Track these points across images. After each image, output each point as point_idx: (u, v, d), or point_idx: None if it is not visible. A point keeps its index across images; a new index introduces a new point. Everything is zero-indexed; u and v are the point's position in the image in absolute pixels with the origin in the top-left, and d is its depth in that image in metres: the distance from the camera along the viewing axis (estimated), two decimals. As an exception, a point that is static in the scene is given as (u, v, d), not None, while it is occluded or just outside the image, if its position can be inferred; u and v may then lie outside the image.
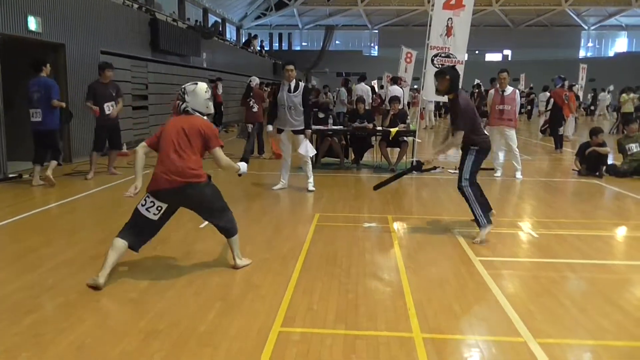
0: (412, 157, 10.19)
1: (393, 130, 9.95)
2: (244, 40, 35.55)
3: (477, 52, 44.14)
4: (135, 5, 14.98)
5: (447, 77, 5.49)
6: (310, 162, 8.16)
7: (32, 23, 9.46)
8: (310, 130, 7.99)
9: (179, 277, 4.31)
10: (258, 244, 5.28)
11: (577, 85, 16.52)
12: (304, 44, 50.68)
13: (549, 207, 7.26)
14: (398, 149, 10.23)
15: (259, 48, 31.29)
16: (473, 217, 5.56)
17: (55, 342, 3.18)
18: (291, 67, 7.90)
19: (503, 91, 9.37)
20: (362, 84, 16.70)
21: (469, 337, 3.36)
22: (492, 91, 9.68)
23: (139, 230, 4.24)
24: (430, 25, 9.72)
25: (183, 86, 4.36)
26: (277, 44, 46.20)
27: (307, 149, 8.00)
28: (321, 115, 10.72)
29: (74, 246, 5.14)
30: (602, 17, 46.64)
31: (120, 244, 4.14)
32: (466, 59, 10.05)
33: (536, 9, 43.99)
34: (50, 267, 4.52)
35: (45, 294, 3.95)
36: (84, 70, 11.08)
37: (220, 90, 18.54)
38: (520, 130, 20.37)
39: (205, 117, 4.36)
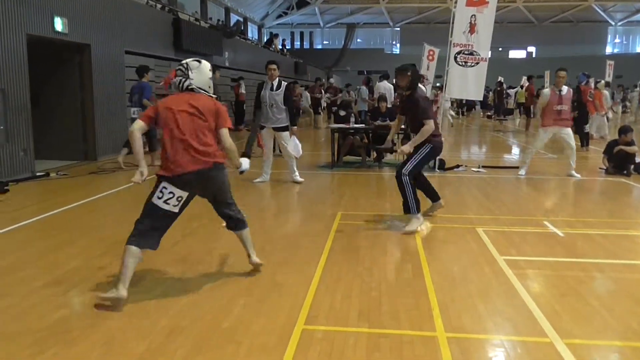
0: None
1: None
2: (265, 39, 35.66)
3: (500, 49, 43.60)
4: (159, 6, 15.13)
5: (408, 73, 5.69)
6: (295, 159, 8.39)
7: (59, 24, 9.61)
8: (296, 127, 8.26)
9: (202, 274, 4.34)
10: (281, 242, 5.30)
11: (602, 82, 16.18)
12: (325, 42, 50.67)
13: (575, 205, 7.15)
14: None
15: (280, 47, 31.36)
16: (403, 202, 5.76)
17: (81, 338, 3.23)
18: (274, 66, 8.16)
19: (560, 90, 9.01)
20: (385, 82, 16.61)
21: (494, 336, 3.32)
22: (546, 91, 9.20)
23: (156, 227, 3.83)
24: (453, 22, 9.63)
25: (184, 61, 4.01)
26: (299, 43, 46.27)
27: (296, 147, 8.23)
28: (342, 113, 10.70)
29: (101, 243, 5.21)
30: (630, 13, 45.74)
31: (134, 250, 3.74)
32: (489, 56, 9.93)
33: (561, 4, 43.29)
34: (77, 265, 4.59)
35: (72, 290, 4.01)
36: (108, 69, 11.23)
37: (243, 89, 18.63)
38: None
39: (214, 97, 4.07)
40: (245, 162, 4.31)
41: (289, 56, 32.59)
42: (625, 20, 46.99)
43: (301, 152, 8.45)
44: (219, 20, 26.96)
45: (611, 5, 44.23)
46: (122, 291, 3.63)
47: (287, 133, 8.23)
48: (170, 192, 3.80)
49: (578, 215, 6.53)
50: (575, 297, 3.91)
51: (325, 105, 22.15)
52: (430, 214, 6.27)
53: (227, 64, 19.37)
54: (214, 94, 4.14)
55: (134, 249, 3.73)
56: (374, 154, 10.80)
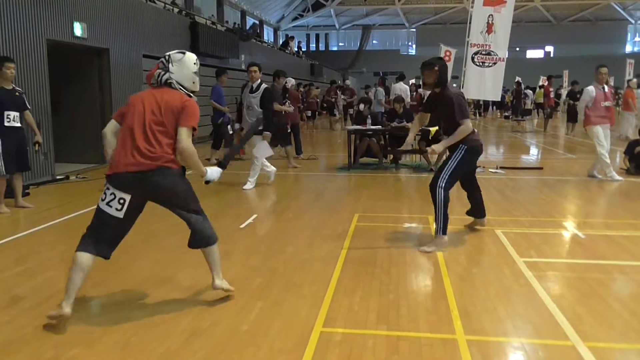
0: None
1: (433, 129, 9.81)
2: (281, 42, 35.78)
3: (517, 49, 43.17)
4: (176, 10, 15.26)
5: (435, 68, 5.06)
6: (259, 164, 8.17)
7: (78, 29, 9.74)
8: (269, 133, 7.99)
9: (221, 277, 4.35)
10: (298, 243, 5.30)
11: (634, 80, 15.85)
12: (340, 44, 50.64)
13: (596, 206, 7.05)
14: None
15: (296, 49, 31.43)
16: (435, 222, 5.15)
17: (102, 340, 3.26)
18: (255, 68, 8.07)
19: (603, 87, 8.82)
20: (401, 83, 16.56)
21: (514, 339, 3.28)
22: (591, 88, 8.86)
23: (103, 232, 3.50)
24: (470, 22, 9.57)
25: (167, 53, 3.65)
26: (314, 45, 46.30)
27: (261, 151, 7.99)
28: (362, 107, 10.74)
29: (120, 246, 5.24)
30: (650, 11, 45.05)
31: (84, 259, 3.43)
32: (507, 56, 9.85)
33: (580, 3, 42.73)
34: (97, 266, 4.62)
35: (92, 291, 4.05)
36: (127, 73, 11.35)
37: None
38: (557, 128, 19.88)
39: (192, 95, 3.65)
40: (213, 172, 3.72)
41: (304, 58, 32.64)
42: (646, 19, 46.30)
43: (265, 156, 8.13)
44: (235, 23, 27.10)
45: (631, 4, 43.56)
46: (65, 309, 3.33)
47: (258, 137, 7.92)
48: (112, 194, 3.44)
49: (599, 216, 6.43)
50: (597, 300, 3.85)
51: (342, 106, 22.13)
52: (473, 227, 5.76)
53: (243, 67, 19.45)
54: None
55: (82, 257, 3.42)
56: (390, 156, 10.77)
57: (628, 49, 47.06)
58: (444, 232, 5.06)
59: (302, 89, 19.95)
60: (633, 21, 46.86)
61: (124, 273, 4.45)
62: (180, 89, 3.59)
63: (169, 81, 3.58)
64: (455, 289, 4.03)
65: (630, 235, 5.55)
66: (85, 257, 3.44)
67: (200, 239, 3.68)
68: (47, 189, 8.40)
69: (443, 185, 5.01)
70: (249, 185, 8.14)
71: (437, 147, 5.12)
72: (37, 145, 7.02)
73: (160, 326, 3.44)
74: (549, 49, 47.94)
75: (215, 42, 16.14)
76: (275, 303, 3.81)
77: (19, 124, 6.67)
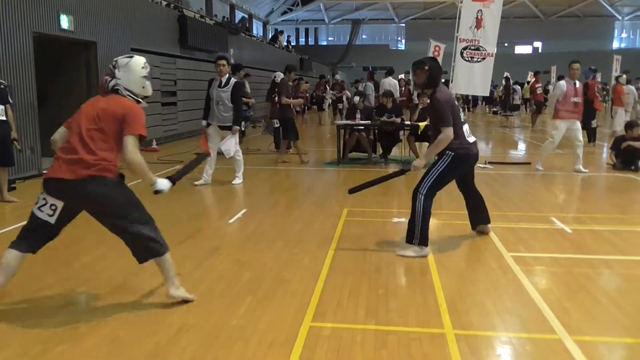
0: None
1: (422, 124, 9.86)
2: (270, 36, 35.64)
3: (506, 44, 43.32)
4: (164, 3, 15.13)
5: (426, 67, 4.71)
6: (242, 159, 8.10)
7: (65, 22, 9.62)
8: (237, 127, 7.86)
9: (210, 272, 4.34)
10: (288, 238, 5.29)
11: (623, 76, 15.94)
12: (330, 38, 50.53)
13: (583, 201, 7.11)
14: (427, 144, 10.12)
15: (285, 43, 31.32)
16: (408, 229, 4.77)
17: (89, 335, 3.24)
18: (223, 62, 7.84)
19: (575, 83, 9.01)
20: (390, 78, 16.60)
21: (502, 333, 3.30)
22: (563, 83, 9.09)
23: (33, 234, 3.46)
24: (459, 18, 9.59)
25: (115, 59, 3.53)
26: (304, 39, 46.15)
27: (230, 147, 7.83)
28: (356, 99, 10.74)
29: (108, 241, 5.21)
30: (637, 7, 45.35)
31: (12, 255, 3.41)
32: (496, 51, 9.88)
33: (568, -1, 43.04)
34: (85, 262, 4.60)
35: (80, 287, 4.03)
36: (114, 67, 11.24)
37: (247, 88, 18.62)
38: (546, 123, 20.02)
39: (141, 101, 3.55)
40: (163, 182, 3.54)
41: (294, 52, 32.54)
42: (633, 15, 46.59)
43: (231, 154, 7.92)
44: (224, 17, 26.94)
45: (618, 0, 43.91)
46: None
47: (228, 132, 7.84)
48: (44, 199, 3.39)
49: (586, 211, 6.49)
50: (584, 294, 3.89)
51: (330, 101, 22.09)
52: (479, 231, 5.39)
53: (232, 61, 19.35)
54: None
55: (10, 253, 3.42)
56: (379, 150, 10.78)
57: (615, 45, 47.42)
58: (423, 244, 4.68)
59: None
60: (620, 17, 47.22)
61: (112, 268, 4.42)
62: (129, 95, 3.47)
63: (115, 87, 3.46)
64: (444, 284, 4.05)
65: (617, 229, 5.60)
66: (13, 254, 3.42)
67: (144, 250, 3.48)
68: (33, 183, 8.31)
69: (424, 192, 4.68)
70: (237, 180, 8.09)
71: (418, 163, 4.87)
72: (14, 141, 6.90)
73: (149, 321, 3.43)
74: (537, 44, 48.18)
75: (203, 36, 16.03)
76: (264, 298, 3.81)
77: (4, 117, 6.59)
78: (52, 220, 3.39)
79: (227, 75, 7.87)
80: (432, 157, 4.83)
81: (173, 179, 3.62)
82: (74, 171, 3.28)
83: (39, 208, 3.40)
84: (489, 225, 5.40)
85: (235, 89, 7.78)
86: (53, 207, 3.38)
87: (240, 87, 7.97)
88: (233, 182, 8.06)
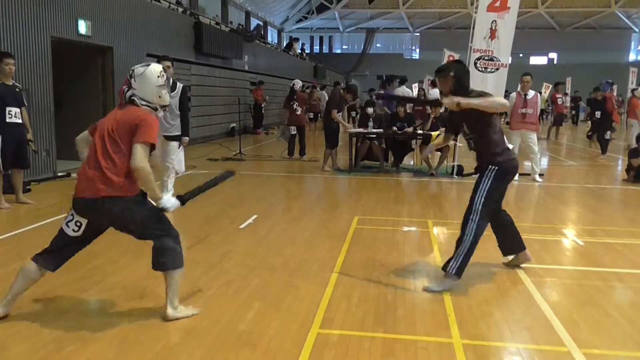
0: (453, 162, 10.05)
1: (434, 134, 9.83)
2: (285, 43, 35.83)
3: (521, 55, 43.10)
4: (180, 9, 15.29)
5: (451, 74, 4.18)
6: (174, 175, 7.00)
7: (82, 27, 9.76)
8: (187, 138, 7.08)
9: (219, 277, 4.36)
10: (298, 245, 5.31)
11: (639, 89, 15.84)
12: (344, 46, 50.66)
13: (595, 214, 7.05)
14: (439, 153, 10.10)
15: (299, 51, 31.46)
16: (451, 257, 4.21)
17: (98, 336, 3.27)
18: (168, 63, 6.78)
19: (525, 94, 9.36)
20: (403, 87, 16.58)
21: (510, 344, 3.28)
22: (513, 94, 9.54)
23: (59, 249, 3.49)
24: (473, 28, 9.59)
25: (132, 68, 3.49)
26: (318, 47, 46.32)
27: (180, 162, 7.08)
28: (369, 110, 10.68)
29: (119, 244, 5.26)
30: (654, 20, 45.04)
31: (33, 268, 3.42)
32: (510, 62, 9.86)
33: (584, 11, 42.72)
34: (95, 264, 4.64)
35: (90, 289, 4.07)
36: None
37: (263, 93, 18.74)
38: (564, 135, 19.86)
39: (159, 109, 3.52)
40: (170, 200, 3.45)
41: (308, 60, 32.68)
42: (650, 27, 46.28)
43: (183, 169, 7.26)
44: (239, 24, 27.11)
45: (635, 12, 43.54)
46: (1, 309, 3.41)
47: (176, 143, 6.94)
48: (71, 215, 3.43)
49: (599, 223, 6.44)
50: (594, 307, 3.86)
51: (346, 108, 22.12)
52: (516, 265, 4.72)
53: (246, 68, 19.49)
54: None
55: (31, 266, 3.42)
56: (391, 159, 10.78)
57: (632, 57, 47.02)
58: (459, 275, 4.14)
59: (307, 90, 19.97)
60: (637, 30, 46.84)
61: (122, 272, 4.46)
62: (145, 105, 3.43)
63: (132, 98, 3.42)
64: (453, 293, 4.03)
65: (629, 243, 5.55)
66: (33, 267, 3.43)
67: (157, 262, 3.46)
68: (48, 185, 8.42)
69: (476, 219, 4.15)
70: (167, 204, 6.93)
71: (450, 100, 4.07)
72: (30, 142, 6.98)
73: (158, 325, 3.45)
74: (553, 55, 47.95)
75: (219, 43, 16.16)
76: (273, 303, 3.82)
77: (20, 120, 6.68)
78: (76, 234, 3.43)
79: (172, 80, 6.70)
80: (473, 105, 4.04)
81: (183, 200, 3.52)
82: (94, 190, 3.29)
83: (66, 223, 3.45)
84: (527, 252, 4.67)
85: (183, 94, 6.95)
86: (78, 224, 3.42)
87: (186, 92, 7.12)
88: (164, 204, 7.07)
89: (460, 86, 4.18)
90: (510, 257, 4.72)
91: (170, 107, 6.73)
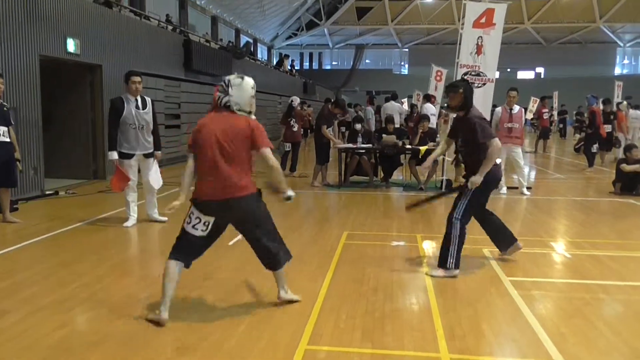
0: (442, 176, 10.10)
1: (422, 148, 9.91)
2: (275, 60, 36.02)
3: (508, 70, 43.72)
4: (170, 27, 15.37)
5: (460, 91, 4.90)
6: (155, 190, 6.95)
7: (71, 45, 9.79)
8: (160, 153, 7.04)
9: (209, 293, 4.35)
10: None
11: (624, 103, 16.08)
12: (334, 63, 51.06)
13: (583, 226, 7.11)
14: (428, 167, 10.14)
15: (289, 67, 31.65)
16: (440, 254, 4.90)
17: (85, 356, 3.24)
18: (138, 78, 6.59)
19: (511, 109, 9.46)
20: (392, 102, 16.70)
21: (498, 358, 3.30)
22: (499, 109, 9.62)
23: (189, 249, 3.84)
24: (460, 44, 9.71)
25: (227, 77, 3.83)
26: (308, 63, 46.68)
27: (158, 177, 6.95)
28: (358, 126, 10.73)
29: (106, 262, 5.24)
30: (638, 34, 45.79)
31: (175, 269, 3.77)
32: (497, 77, 9.98)
33: (570, 26, 43.41)
34: (82, 283, 4.61)
35: (76, 308, 4.04)
36: (119, 90, 11.29)
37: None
38: (550, 148, 20.04)
39: (252, 117, 3.85)
40: (291, 191, 3.90)
41: (298, 76, 32.85)
42: (634, 42, 46.99)
43: (161, 183, 7.06)
44: (229, 41, 27.28)
45: (620, 27, 44.30)
46: (164, 314, 3.68)
47: (152, 159, 6.86)
48: (197, 217, 3.78)
49: (585, 236, 6.49)
50: (581, 319, 3.88)
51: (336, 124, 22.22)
52: (508, 256, 5.35)
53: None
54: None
55: (172, 266, 3.76)
56: (381, 174, 10.82)
57: (617, 71, 47.74)
58: (457, 267, 4.80)
59: (306, 108, 20.03)
60: (622, 44, 47.61)
61: (109, 290, 4.43)
62: (240, 111, 3.77)
63: (227, 104, 3.75)
64: (441, 308, 4.05)
65: (616, 255, 5.60)
66: (174, 266, 3.78)
67: (277, 257, 3.95)
68: (36, 204, 8.37)
69: (459, 217, 4.83)
70: (159, 217, 6.95)
71: (476, 179, 4.75)
72: (17, 162, 6.97)
73: (146, 342, 3.43)
74: (540, 70, 48.58)
75: (208, 60, 16.24)
76: (262, 320, 3.81)
77: (7, 139, 6.67)
78: (204, 234, 3.80)
79: (141, 95, 6.70)
80: (487, 171, 4.77)
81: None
82: (219, 192, 3.69)
83: (193, 227, 3.78)
84: (519, 242, 5.31)
85: (154, 109, 6.83)
86: (206, 224, 3.78)
87: (154, 106, 6.91)
88: (155, 218, 6.99)
89: (466, 103, 4.92)
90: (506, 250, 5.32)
91: (147, 124, 6.71)
